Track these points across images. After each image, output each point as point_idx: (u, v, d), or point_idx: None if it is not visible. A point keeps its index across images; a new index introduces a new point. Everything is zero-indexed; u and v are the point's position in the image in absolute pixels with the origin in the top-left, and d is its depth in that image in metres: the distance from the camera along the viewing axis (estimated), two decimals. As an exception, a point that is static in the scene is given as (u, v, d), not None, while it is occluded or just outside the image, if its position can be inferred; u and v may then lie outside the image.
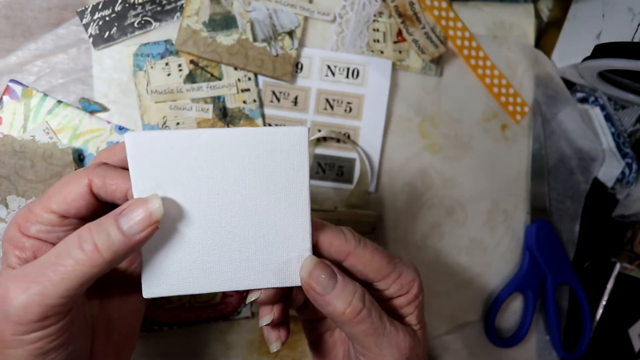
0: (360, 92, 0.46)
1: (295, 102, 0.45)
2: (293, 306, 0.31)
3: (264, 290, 0.27)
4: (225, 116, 0.43)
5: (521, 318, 0.51)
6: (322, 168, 0.46)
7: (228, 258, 0.26)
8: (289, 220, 0.26)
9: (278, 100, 0.45)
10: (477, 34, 0.49)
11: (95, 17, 0.41)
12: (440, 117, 0.49)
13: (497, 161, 0.50)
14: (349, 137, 0.46)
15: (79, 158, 0.40)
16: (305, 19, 0.45)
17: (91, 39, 0.41)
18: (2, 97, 0.39)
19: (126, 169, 0.25)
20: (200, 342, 0.44)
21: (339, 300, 0.25)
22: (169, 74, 0.42)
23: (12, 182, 0.37)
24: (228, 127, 0.43)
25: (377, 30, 0.46)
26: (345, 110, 0.46)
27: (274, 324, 0.29)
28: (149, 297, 0.26)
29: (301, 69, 0.45)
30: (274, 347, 0.29)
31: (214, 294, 0.43)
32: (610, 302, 0.54)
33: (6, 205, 0.37)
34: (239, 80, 0.43)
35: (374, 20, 0.46)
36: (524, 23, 0.51)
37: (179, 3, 0.42)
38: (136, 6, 0.42)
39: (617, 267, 0.55)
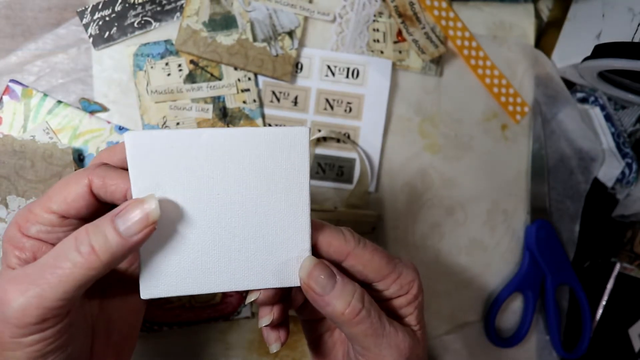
0: (360, 92, 0.46)
1: (295, 102, 0.45)
2: (293, 307, 0.31)
3: (263, 290, 0.27)
4: (225, 116, 0.43)
5: (521, 318, 0.51)
6: (322, 168, 0.46)
7: (227, 258, 0.25)
8: (289, 221, 0.26)
9: (278, 100, 0.45)
10: (477, 34, 0.49)
11: (95, 17, 0.41)
12: (440, 117, 0.49)
13: (497, 161, 0.50)
14: (349, 137, 0.46)
15: (79, 158, 0.40)
16: (305, 19, 0.45)
17: (91, 39, 0.41)
18: (2, 97, 0.39)
19: (126, 169, 0.25)
20: (200, 342, 0.44)
21: (338, 300, 0.25)
22: (169, 74, 0.42)
23: (12, 182, 0.37)
24: (228, 127, 0.43)
25: (377, 30, 0.46)
26: (345, 110, 0.46)
27: (274, 325, 0.29)
28: (147, 298, 0.25)
29: (301, 69, 0.45)
30: (274, 347, 0.29)
31: (214, 294, 0.43)
32: (610, 302, 0.54)
33: (6, 206, 0.37)
34: (239, 80, 0.43)
35: (374, 20, 0.46)
36: (524, 23, 0.51)
37: (179, 3, 0.42)
38: (136, 6, 0.42)
39: (617, 267, 0.55)
